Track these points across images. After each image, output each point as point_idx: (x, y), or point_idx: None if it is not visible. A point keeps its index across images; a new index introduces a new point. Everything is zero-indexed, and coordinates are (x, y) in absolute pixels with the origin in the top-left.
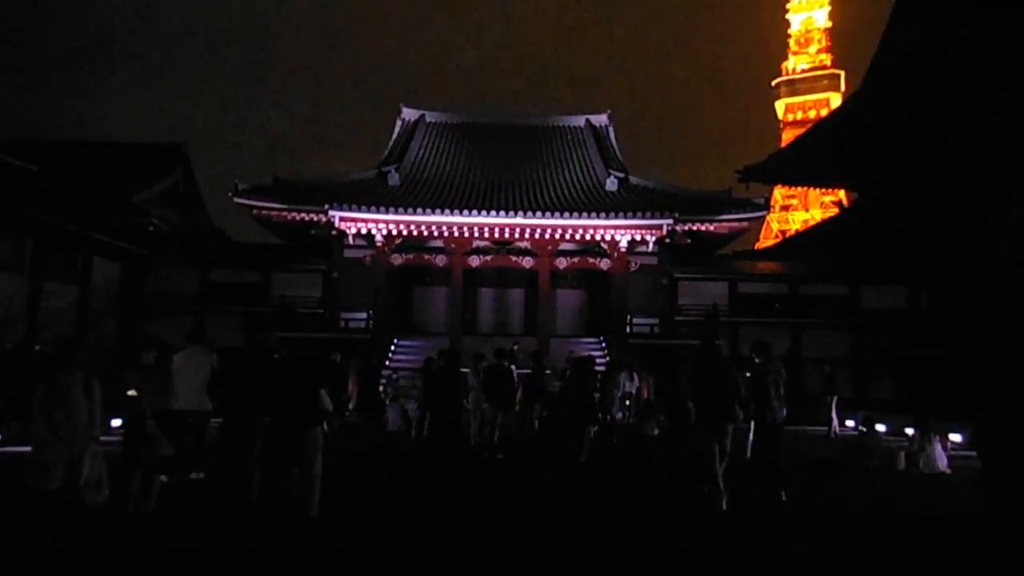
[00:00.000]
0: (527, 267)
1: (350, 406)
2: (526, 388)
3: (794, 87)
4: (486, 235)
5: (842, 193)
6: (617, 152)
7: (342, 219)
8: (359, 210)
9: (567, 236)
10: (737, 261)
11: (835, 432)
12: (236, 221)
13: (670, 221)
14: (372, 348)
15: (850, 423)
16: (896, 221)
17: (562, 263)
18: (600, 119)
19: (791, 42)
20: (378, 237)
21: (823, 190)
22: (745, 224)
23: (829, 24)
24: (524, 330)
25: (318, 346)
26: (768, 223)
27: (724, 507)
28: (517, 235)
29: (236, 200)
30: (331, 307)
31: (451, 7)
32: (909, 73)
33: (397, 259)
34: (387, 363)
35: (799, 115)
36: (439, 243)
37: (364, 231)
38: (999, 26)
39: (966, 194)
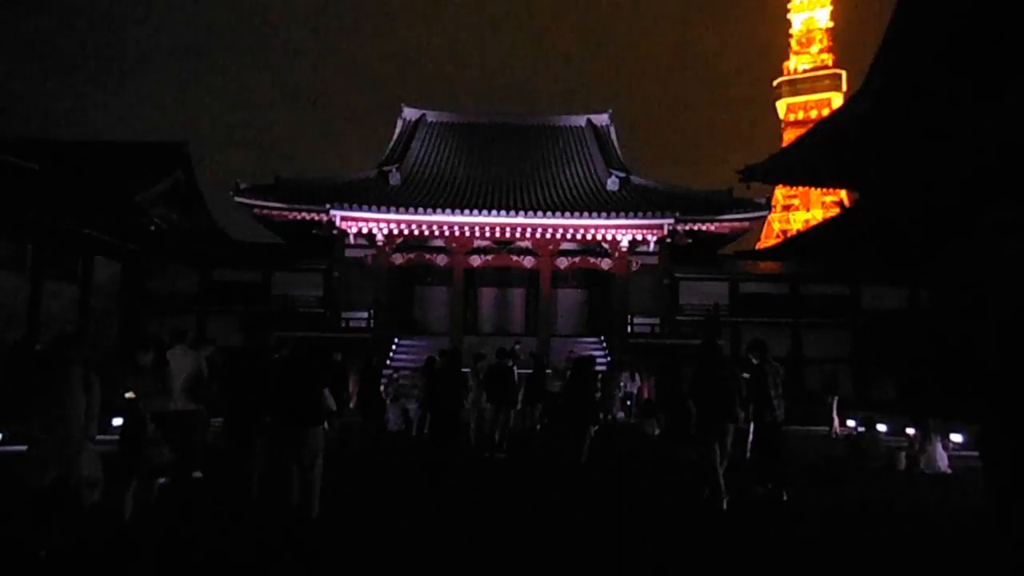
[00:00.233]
0: (528, 267)
1: (350, 405)
2: (527, 388)
3: (796, 87)
4: (487, 235)
5: (843, 193)
6: (618, 152)
7: (343, 218)
8: (360, 209)
9: (568, 236)
10: (738, 261)
11: (836, 432)
12: (237, 220)
13: (671, 221)
14: (373, 347)
15: (851, 423)
16: (897, 221)
17: (563, 263)
18: (601, 119)
19: (792, 42)
20: (379, 236)
21: (824, 190)
22: (746, 224)
23: (831, 24)
24: (525, 330)
25: (319, 345)
26: (769, 223)
27: (725, 507)
28: (518, 235)
29: (237, 199)
30: (332, 306)
31: (454, 7)
32: (910, 74)
33: (398, 258)
34: (388, 363)
35: (800, 115)
36: (440, 242)
37: (365, 230)
38: (1000, 27)
39: (966, 194)
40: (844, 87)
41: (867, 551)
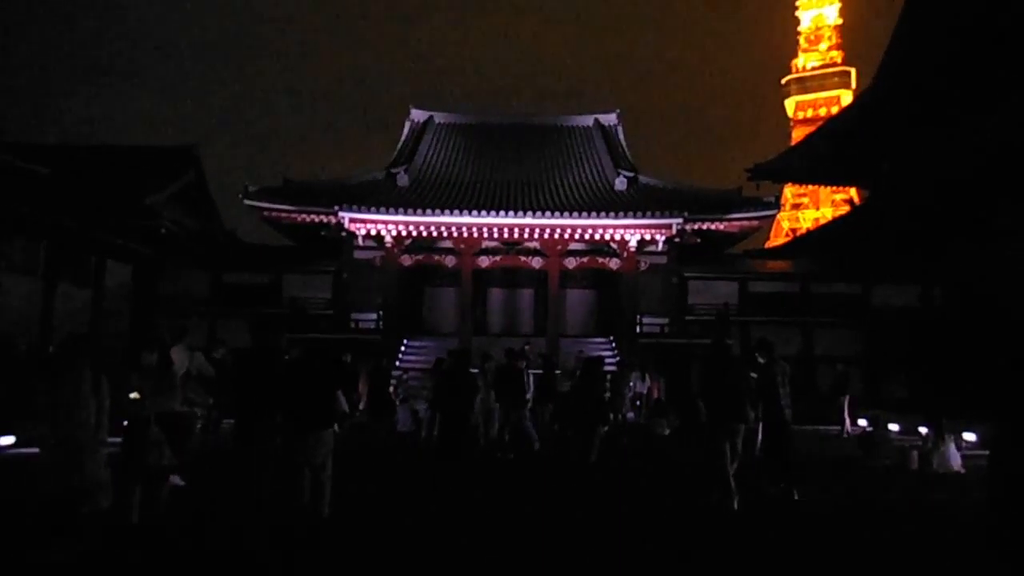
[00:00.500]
0: (536, 267)
1: (360, 406)
2: (537, 388)
3: (804, 85)
4: (495, 235)
5: (853, 191)
6: (626, 151)
7: (352, 220)
8: (369, 211)
9: (576, 236)
10: (748, 260)
11: (847, 432)
12: (247, 223)
13: (680, 220)
14: (382, 349)
15: (862, 422)
16: (908, 219)
17: (571, 263)
18: (609, 118)
19: (801, 39)
20: (388, 238)
21: (834, 188)
22: (755, 223)
23: (840, 21)
24: (534, 330)
25: (328, 347)
26: (778, 222)
27: (735, 507)
28: (526, 235)
29: (246, 202)
30: (341, 308)
31: (462, 8)
32: (920, 71)
33: (407, 260)
34: (397, 364)
35: (809, 113)
36: (448, 243)
37: (374, 232)
38: (1009, 24)
39: (978, 192)
40: (853, 85)
41: (878, 551)
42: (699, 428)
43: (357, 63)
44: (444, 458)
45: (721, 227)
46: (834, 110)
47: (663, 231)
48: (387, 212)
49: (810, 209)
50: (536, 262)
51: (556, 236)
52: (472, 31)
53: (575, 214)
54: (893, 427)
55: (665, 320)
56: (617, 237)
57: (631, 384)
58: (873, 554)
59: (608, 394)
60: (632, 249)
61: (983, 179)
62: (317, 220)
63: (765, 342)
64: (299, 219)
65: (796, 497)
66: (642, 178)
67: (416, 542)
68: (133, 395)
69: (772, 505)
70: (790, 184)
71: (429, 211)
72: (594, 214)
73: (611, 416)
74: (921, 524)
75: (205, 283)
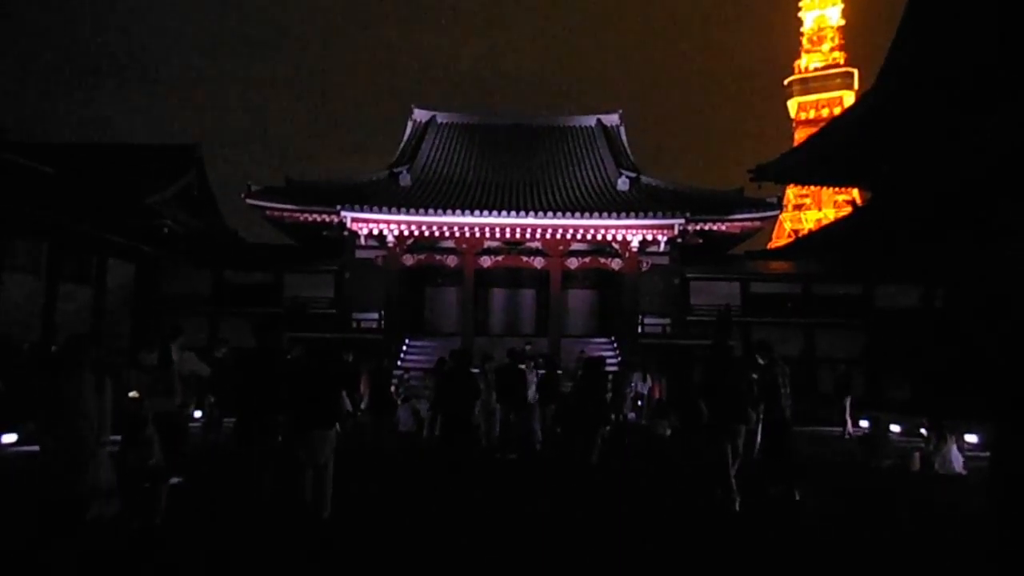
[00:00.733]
0: (538, 267)
1: (362, 406)
2: (540, 389)
3: (807, 85)
4: (497, 235)
5: (855, 192)
6: (628, 152)
7: (354, 220)
8: (371, 211)
9: (578, 236)
10: (749, 261)
11: (849, 433)
12: (248, 222)
13: (682, 221)
14: (384, 348)
15: (864, 423)
16: (910, 220)
17: (573, 263)
18: (611, 119)
19: (804, 40)
20: (389, 238)
21: (836, 189)
22: (758, 224)
23: (842, 22)
24: (535, 330)
25: (330, 346)
26: (781, 222)
27: (737, 508)
28: (528, 235)
29: (248, 201)
30: (343, 307)
31: (463, 8)
32: (923, 72)
33: (408, 259)
34: (399, 363)
35: (812, 114)
36: (450, 243)
37: (376, 232)
38: (1011, 26)
39: (979, 193)
40: (856, 85)
41: (879, 552)
42: (700, 429)
43: (360, 63)
44: (445, 458)
45: (723, 228)
46: (836, 111)
47: (665, 231)
48: (389, 212)
49: (812, 210)
50: (538, 262)
51: (558, 236)
52: (475, 32)
53: (577, 214)
54: (895, 428)
55: (667, 320)
56: (619, 237)
57: (632, 384)
58: (874, 555)
59: (609, 394)
60: (634, 249)
61: (984, 179)
62: (319, 219)
63: (764, 343)
64: (301, 218)
65: (797, 498)
66: (644, 178)
67: (417, 542)
68: (132, 394)
69: (773, 506)
70: (792, 185)
71: (431, 211)
72: (596, 214)
73: (612, 417)
74: (922, 525)
75: (207, 282)
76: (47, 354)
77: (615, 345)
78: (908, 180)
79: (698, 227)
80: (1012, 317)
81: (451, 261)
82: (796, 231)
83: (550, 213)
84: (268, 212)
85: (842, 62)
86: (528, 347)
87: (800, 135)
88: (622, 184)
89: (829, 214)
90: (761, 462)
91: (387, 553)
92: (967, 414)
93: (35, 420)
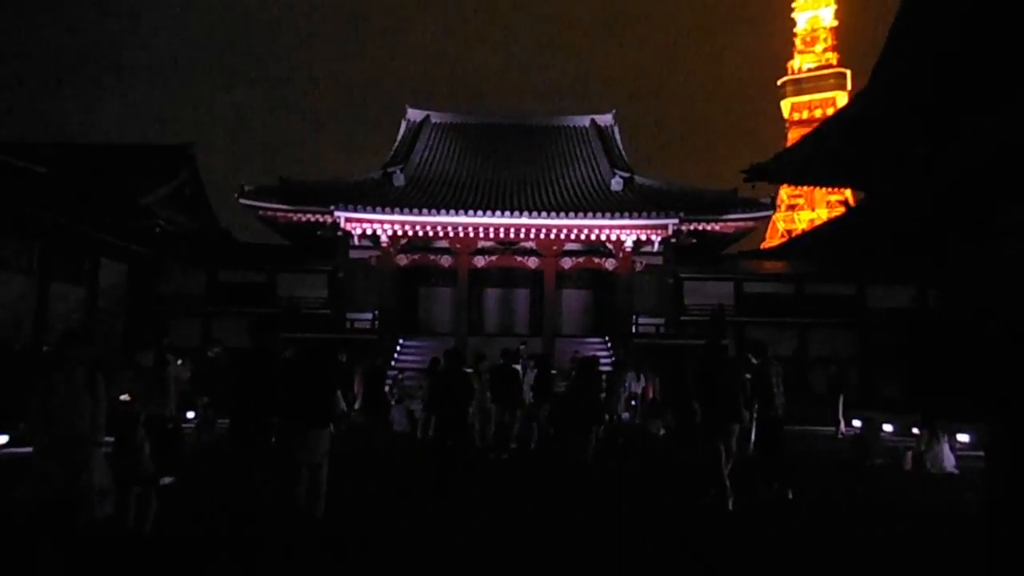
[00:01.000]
0: (532, 267)
1: (356, 406)
2: (534, 388)
3: (800, 86)
4: (491, 235)
5: (848, 192)
6: (622, 152)
7: (347, 220)
8: (364, 211)
9: (572, 236)
10: (743, 261)
11: (842, 432)
12: (242, 222)
13: (675, 221)
14: (377, 348)
15: (857, 423)
16: (903, 221)
17: (567, 263)
18: (605, 119)
19: (797, 41)
20: (383, 237)
21: (829, 189)
22: (751, 224)
23: (835, 22)
24: (529, 330)
25: (324, 346)
26: (774, 223)
27: (731, 507)
28: (522, 235)
29: (242, 201)
30: (337, 307)
31: (458, 8)
32: (916, 72)
33: (402, 259)
34: (392, 363)
35: (805, 114)
36: (444, 243)
37: (369, 231)
38: (1005, 24)
39: (973, 194)
40: (849, 86)
41: (872, 551)
42: (694, 428)
43: (354, 62)
44: (440, 458)
45: (717, 228)
46: (830, 111)
47: (659, 231)
48: (383, 212)
49: (806, 210)
50: (532, 262)
51: (552, 236)
52: (468, 32)
53: (571, 214)
54: (887, 427)
55: (660, 320)
56: (613, 237)
57: (626, 384)
58: (867, 554)
59: (603, 394)
60: (628, 249)
61: (981, 180)
62: (313, 219)
63: (758, 343)
64: (295, 218)
65: (790, 497)
66: (638, 179)
67: (413, 542)
68: (124, 397)
69: (767, 505)
70: (786, 185)
71: (425, 211)
72: (590, 214)
73: (606, 416)
74: (915, 524)
75: (200, 282)
76: (39, 354)
77: (609, 345)
78: (901, 180)
79: (692, 227)
80: (1010, 317)
81: (445, 261)
82: (789, 231)
83: (544, 213)
84: (261, 212)
85: (835, 63)
86: (522, 347)
87: (793, 135)
88: (616, 184)
89: (822, 214)
90: (754, 461)
91: (382, 553)
92: (959, 413)
93: (27, 420)
